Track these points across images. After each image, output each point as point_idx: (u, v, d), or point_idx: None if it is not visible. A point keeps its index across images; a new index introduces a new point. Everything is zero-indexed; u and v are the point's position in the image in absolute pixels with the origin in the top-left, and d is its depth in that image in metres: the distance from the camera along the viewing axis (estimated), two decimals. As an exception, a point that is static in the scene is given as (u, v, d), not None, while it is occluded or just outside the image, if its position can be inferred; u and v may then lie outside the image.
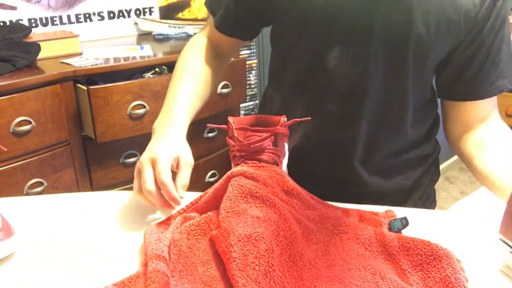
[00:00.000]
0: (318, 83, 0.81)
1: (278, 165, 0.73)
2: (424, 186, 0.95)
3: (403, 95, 0.80)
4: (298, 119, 0.76)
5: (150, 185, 0.69)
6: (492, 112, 0.86)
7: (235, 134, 0.73)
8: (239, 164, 0.73)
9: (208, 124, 0.79)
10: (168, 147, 0.73)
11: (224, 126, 0.76)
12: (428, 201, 0.98)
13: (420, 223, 0.75)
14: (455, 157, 3.22)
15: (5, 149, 0.81)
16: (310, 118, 0.77)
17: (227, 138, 0.76)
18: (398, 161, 0.88)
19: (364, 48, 0.76)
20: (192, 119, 0.83)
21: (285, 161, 0.75)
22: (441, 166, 3.07)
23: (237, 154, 0.73)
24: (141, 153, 0.82)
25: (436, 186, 0.99)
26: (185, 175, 0.72)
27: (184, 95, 0.83)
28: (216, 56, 0.94)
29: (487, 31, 0.76)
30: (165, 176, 0.68)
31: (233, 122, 0.75)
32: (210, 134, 1.80)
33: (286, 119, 0.75)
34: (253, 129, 0.74)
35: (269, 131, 0.73)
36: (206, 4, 0.94)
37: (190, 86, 0.85)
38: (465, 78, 0.81)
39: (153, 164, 0.70)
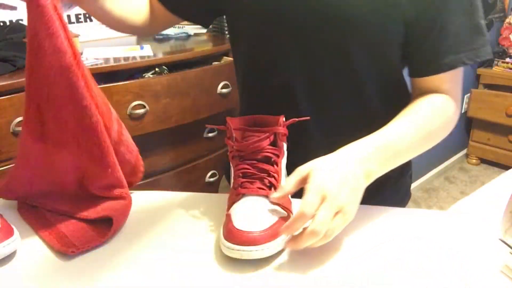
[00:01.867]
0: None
1: (277, 165, 0.73)
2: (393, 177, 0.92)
3: (355, 75, 0.79)
4: (297, 119, 0.76)
5: None
6: (441, 87, 0.79)
7: (234, 135, 0.74)
8: (238, 164, 0.73)
9: (207, 125, 0.79)
10: None
11: (223, 126, 0.77)
12: (399, 194, 0.96)
13: (420, 223, 0.75)
14: (455, 157, 3.23)
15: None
16: (309, 117, 0.77)
17: (225, 138, 0.76)
18: None
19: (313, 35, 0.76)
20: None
21: (284, 160, 0.75)
22: (441, 166, 3.08)
23: (236, 155, 0.74)
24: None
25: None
26: None
27: None
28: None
29: (428, 4, 0.72)
30: None
31: (232, 123, 0.75)
32: (210, 134, 1.80)
33: (284, 119, 0.76)
34: (252, 129, 0.74)
35: (268, 131, 0.73)
36: None
37: None
38: (412, 54, 0.78)
39: None
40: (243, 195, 0.70)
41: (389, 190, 0.92)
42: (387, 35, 0.76)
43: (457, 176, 3.07)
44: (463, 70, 0.80)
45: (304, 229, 0.62)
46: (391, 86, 0.85)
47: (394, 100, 0.83)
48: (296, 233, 0.64)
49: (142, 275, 0.64)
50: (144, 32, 0.97)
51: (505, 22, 2.97)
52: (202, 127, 1.67)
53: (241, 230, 0.64)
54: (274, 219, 0.66)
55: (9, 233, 0.67)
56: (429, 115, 0.76)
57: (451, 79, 0.79)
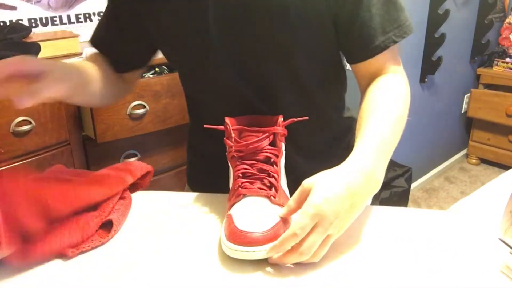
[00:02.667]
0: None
1: (276, 165, 0.73)
2: None
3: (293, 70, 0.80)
4: (296, 119, 0.75)
5: None
6: (384, 68, 0.80)
7: (233, 135, 0.73)
8: (238, 165, 0.72)
9: (205, 126, 0.79)
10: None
11: (221, 127, 0.76)
12: None
13: (420, 223, 0.75)
14: (455, 157, 3.23)
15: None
16: (307, 117, 0.77)
17: (224, 139, 0.76)
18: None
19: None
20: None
21: (282, 160, 0.75)
22: (441, 166, 3.08)
23: (235, 155, 0.73)
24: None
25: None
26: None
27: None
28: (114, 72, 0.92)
29: None
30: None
31: (230, 123, 0.75)
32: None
33: (283, 119, 0.75)
34: (251, 129, 0.74)
35: (267, 131, 0.73)
36: (91, 42, 0.94)
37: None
38: (343, 42, 0.79)
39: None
40: (244, 195, 0.70)
41: None
42: (319, 27, 0.77)
43: (457, 176, 3.07)
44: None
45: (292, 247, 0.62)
46: (334, 81, 0.87)
47: (336, 89, 0.88)
48: None
49: (142, 275, 0.64)
50: (126, 91, 1.01)
51: (505, 22, 2.97)
52: (202, 127, 1.67)
53: (243, 231, 0.63)
54: (276, 219, 0.66)
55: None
56: (396, 101, 0.76)
57: (390, 58, 0.79)
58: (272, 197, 0.69)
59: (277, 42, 0.76)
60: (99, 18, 1.89)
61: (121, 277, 0.64)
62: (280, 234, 0.64)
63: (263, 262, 0.65)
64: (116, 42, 0.90)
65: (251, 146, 0.72)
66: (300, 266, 0.65)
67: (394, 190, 2.20)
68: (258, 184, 0.71)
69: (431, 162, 3.00)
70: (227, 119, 0.75)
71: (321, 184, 0.63)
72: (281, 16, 0.74)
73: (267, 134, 0.73)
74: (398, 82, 0.79)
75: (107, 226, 0.73)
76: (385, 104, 0.75)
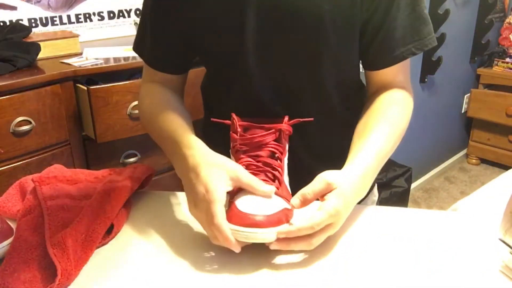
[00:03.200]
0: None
1: (280, 161, 0.73)
2: None
3: (320, 75, 0.81)
4: (301, 119, 0.76)
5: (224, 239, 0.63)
6: (396, 79, 0.83)
7: (238, 129, 0.73)
8: (242, 158, 0.72)
9: (212, 119, 0.79)
10: (215, 183, 0.65)
11: (228, 121, 0.76)
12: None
13: (420, 223, 0.75)
14: (455, 157, 3.23)
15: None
16: (312, 118, 0.77)
17: (230, 132, 0.75)
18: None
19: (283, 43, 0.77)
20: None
21: (285, 160, 0.75)
22: (441, 166, 3.08)
23: (239, 149, 0.73)
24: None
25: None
26: (249, 180, 0.66)
27: (181, 131, 0.76)
28: (177, 93, 0.91)
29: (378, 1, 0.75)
30: (218, 220, 0.62)
31: (237, 118, 0.75)
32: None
33: (288, 118, 0.75)
34: (257, 125, 0.74)
35: (273, 128, 0.73)
36: (134, 49, 0.93)
37: (180, 122, 0.79)
38: (364, 48, 0.81)
39: (207, 211, 0.64)
40: None
41: None
42: (349, 34, 0.78)
43: (457, 176, 3.07)
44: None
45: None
46: (350, 83, 0.88)
47: (353, 96, 0.89)
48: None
49: (142, 274, 0.64)
50: None
51: (505, 22, 2.97)
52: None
53: (246, 213, 0.63)
54: (278, 207, 0.65)
55: (9, 233, 0.67)
56: (401, 118, 0.80)
57: (403, 71, 0.83)
58: (276, 188, 0.68)
59: (308, 48, 0.77)
60: (99, 18, 1.89)
61: (121, 277, 0.64)
62: (282, 221, 0.64)
63: (261, 262, 0.65)
64: (167, 42, 0.87)
65: (256, 140, 0.72)
66: (300, 266, 0.65)
67: (394, 190, 2.20)
68: (262, 176, 0.70)
69: (431, 162, 3.00)
70: (234, 114, 0.75)
71: (343, 187, 0.67)
72: (315, 24, 0.74)
73: (272, 130, 0.73)
74: (404, 97, 0.82)
75: (108, 227, 0.73)
76: (390, 118, 0.79)
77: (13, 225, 0.70)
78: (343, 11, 0.75)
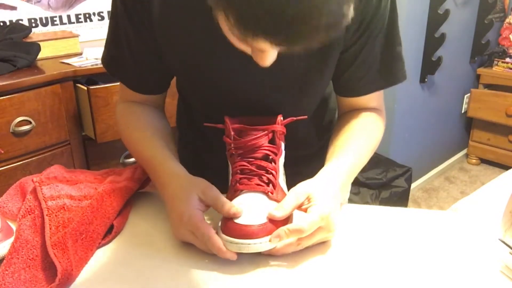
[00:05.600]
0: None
1: (275, 162, 0.73)
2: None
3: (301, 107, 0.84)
4: (295, 118, 0.76)
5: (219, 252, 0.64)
6: (368, 105, 0.86)
7: (232, 133, 0.74)
8: (236, 162, 0.73)
9: (205, 124, 0.79)
10: (188, 207, 0.68)
11: (221, 125, 0.76)
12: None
13: (420, 223, 0.75)
14: (455, 157, 3.23)
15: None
16: (306, 116, 0.78)
17: (224, 137, 0.76)
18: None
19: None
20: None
21: (281, 159, 0.75)
22: (441, 166, 3.08)
23: (234, 152, 0.73)
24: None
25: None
26: (215, 199, 0.68)
27: (159, 158, 0.78)
28: (153, 109, 0.88)
29: (353, 34, 0.75)
30: (208, 235, 0.65)
31: (230, 121, 0.75)
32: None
33: (282, 118, 0.76)
34: (250, 128, 0.74)
35: (266, 129, 0.73)
36: (105, 67, 0.86)
37: (159, 146, 0.80)
38: (336, 79, 0.83)
39: (192, 231, 0.67)
40: (241, 191, 0.70)
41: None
42: (333, 62, 0.80)
43: (457, 176, 3.07)
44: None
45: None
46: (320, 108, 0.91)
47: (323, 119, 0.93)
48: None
49: (142, 274, 0.64)
50: None
51: (505, 22, 2.97)
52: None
53: (239, 224, 0.64)
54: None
55: (9, 233, 0.67)
56: (375, 135, 0.84)
57: (376, 98, 0.86)
58: (269, 193, 0.69)
59: (298, 75, 0.78)
60: (99, 18, 1.89)
61: (121, 277, 0.64)
62: (276, 228, 0.64)
63: (262, 262, 0.65)
64: (142, 64, 0.83)
65: (249, 143, 0.72)
66: (300, 266, 0.65)
67: (394, 190, 2.20)
68: (256, 180, 0.71)
69: (431, 162, 3.00)
70: (227, 118, 0.75)
71: (321, 193, 0.68)
72: (305, 59, 0.75)
73: (266, 131, 0.73)
74: (378, 117, 0.85)
75: (108, 228, 0.73)
76: (371, 136, 0.83)
77: (13, 226, 0.70)
78: (330, 45, 0.75)
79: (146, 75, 0.84)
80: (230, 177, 0.74)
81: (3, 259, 0.64)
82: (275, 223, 0.65)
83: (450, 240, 0.70)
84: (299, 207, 0.68)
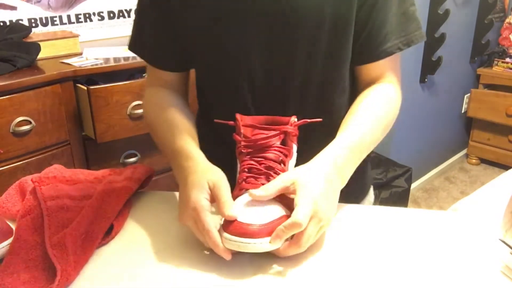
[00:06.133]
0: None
1: (284, 165, 0.72)
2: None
3: (321, 75, 0.81)
4: (309, 120, 0.74)
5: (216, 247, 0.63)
6: (384, 75, 0.83)
7: (242, 131, 0.72)
8: (245, 160, 0.71)
9: (215, 120, 0.78)
10: (196, 192, 0.67)
11: (232, 122, 0.75)
12: (360, 182, 0.96)
13: (420, 223, 0.75)
14: (455, 157, 3.23)
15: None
16: (321, 119, 0.76)
17: (234, 134, 0.74)
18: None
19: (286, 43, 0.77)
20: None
21: (292, 161, 0.74)
22: (441, 166, 3.08)
23: (243, 151, 0.72)
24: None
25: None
26: (220, 196, 0.66)
27: (181, 142, 0.77)
28: (180, 95, 0.90)
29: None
30: (206, 227, 0.64)
31: (241, 120, 0.73)
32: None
33: (296, 119, 0.74)
34: (261, 127, 0.73)
35: (278, 129, 0.72)
36: (130, 48, 0.91)
37: (182, 132, 0.80)
38: (356, 40, 0.80)
39: (195, 219, 0.66)
40: (247, 190, 0.68)
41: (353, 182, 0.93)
42: (348, 32, 0.78)
43: (457, 176, 3.07)
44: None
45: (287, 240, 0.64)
46: (343, 79, 0.86)
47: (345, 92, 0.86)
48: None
49: (142, 275, 0.64)
50: None
51: (505, 22, 2.97)
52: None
53: (240, 222, 0.63)
54: (276, 215, 0.65)
55: (8, 234, 0.67)
56: (385, 109, 0.80)
57: (392, 66, 0.83)
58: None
59: (305, 46, 0.77)
60: (99, 18, 1.89)
61: (121, 277, 0.64)
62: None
63: (262, 263, 0.65)
64: (166, 40, 0.87)
65: (259, 143, 0.71)
66: (300, 265, 0.65)
67: (394, 190, 2.20)
68: (262, 180, 0.69)
69: (431, 162, 3.00)
70: (238, 115, 0.74)
71: (306, 179, 0.66)
72: (317, 27, 0.75)
73: (277, 132, 0.72)
74: (391, 91, 0.82)
75: (108, 228, 0.73)
76: (371, 107, 0.79)
77: (12, 226, 0.70)
78: (343, 13, 0.75)
79: (164, 48, 0.87)
80: (238, 175, 0.73)
81: (2, 259, 0.64)
82: (277, 224, 0.63)
83: (450, 240, 0.70)
84: (284, 192, 0.66)
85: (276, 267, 0.65)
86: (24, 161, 1.38)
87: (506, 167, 2.82)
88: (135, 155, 1.63)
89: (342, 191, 0.72)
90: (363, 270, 0.64)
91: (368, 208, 0.80)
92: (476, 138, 3.17)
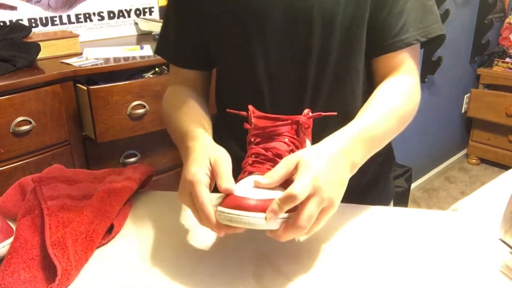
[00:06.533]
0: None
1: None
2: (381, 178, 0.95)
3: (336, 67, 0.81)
4: (323, 113, 0.71)
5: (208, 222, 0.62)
6: (402, 66, 0.82)
7: (253, 120, 0.70)
8: (252, 148, 0.69)
9: (227, 110, 0.76)
10: (195, 166, 0.65)
11: (244, 112, 0.73)
12: (383, 194, 0.97)
13: (420, 223, 0.75)
14: (455, 157, 3.23)
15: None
16: (336, 113, 0.74)
17: (245, 123, 0.72)
18: None
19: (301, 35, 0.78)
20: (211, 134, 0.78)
21: None
22: (441, 166, 3.08)
23: (253, 140, 0.70)
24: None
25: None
26: (219, 171, 0.64)
27: (190, 125, 0.78)
28: (200, 94, 0.92)
29: None
30: (200, 199, 0.62)
31: (253, 111, 0.71)
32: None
33: (310, 113, 0.71)
34: (273, 117, 0.70)
35: (290, 119, 0.69)
36: (156, 52, 0.96)
37: (192, 117, 0.81)
38: (369, 34, 0.80)
39: (191, 193, 0.64)
40: (251, 173, 0.66)
41: (374, 191, 0.93)
42: (360, 23, 0.79)
43: (457, 176, 3.07)
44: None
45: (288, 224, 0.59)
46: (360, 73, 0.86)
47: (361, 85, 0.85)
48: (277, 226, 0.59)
49: (142, 275, 0.64)
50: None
51: (505, 22, 2.97)
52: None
53: (236, 196, 0.59)
54: (277, 195, 0.59)
55: (9, 233, 0.67)
56: (399, 100, 0.78)
57: (410, 57, 0.82)
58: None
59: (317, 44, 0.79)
60: (99, 18, 1.89)
61: (121, 277, 0.64)
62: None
63: (262, 261, 0.65)
64: (186, 39, 0.90)
65: (268, 130, 0.68)
66: (300, 265, 0.65)
67: (394, 190, 2.20)
68: (268, 165, 0.66)
69: (431, 162, 3.00)
70: (250, 107, 0.72)
71: (308, 158, 0.62)
72: (330, 23, 0.77)
73: (289, 121, 0.69)
74: (409, 82, 0.81)
75: (108, 227, 0.73)
76: (384, 98, 0.77)
77: (13, 225, 0.70)
78: (358, 9, 0.76)
79: (186, 45, 0.90)
80: (244, 160, 0.69)
81: (2, 259, 0.64)
82: None
83: (450, 240, 0.70)
84: (290, 176, 0.62)
85: (276, 267, 0.65)
86: (24, 161, 1.38)
87: (506, 167, 2.82)
88: (135, 155, 1.63)
89: (365, 197, 0.71)
90: (363, 270, 0.64)
91: (368, 208, 0.80)
92: (476, 138, 3.17)
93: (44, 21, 1.76)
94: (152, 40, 1.87)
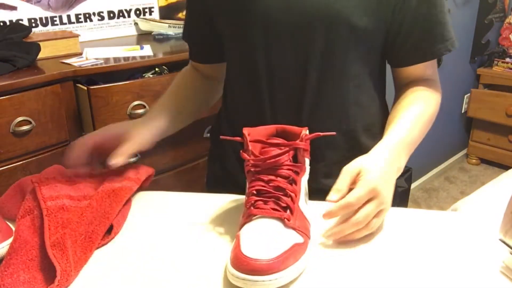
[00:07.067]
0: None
1: (296, 183, 0.67)
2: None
3: (339, 69, 0.83)
4: (321, 133, 0.71)
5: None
6: (425, 73, 0.88)
7: (250, 148, 0.68)
8: (253, 181, 0.67)
9: (221, 137, 0.73)
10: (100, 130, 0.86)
11: (239, 138, 0.70)
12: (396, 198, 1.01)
13: (420, 223, 0.75)
14: (455, 157, 3.23)
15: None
16: (334, 133, 0.76)
17: (241, 151, 0.70)
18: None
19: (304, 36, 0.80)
20: (161, 131, 0.91)
21: (304, 177, 0.70)
22: (441, 166, 3.08)
23: (251, 170, 0.68)
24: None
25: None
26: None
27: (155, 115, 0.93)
28: (202, 77, 1.02)
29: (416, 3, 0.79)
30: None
31: (249, 134, 0.69)
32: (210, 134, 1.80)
33: (308, 132, 0.70)
34: (270, 143, 0.68)
35: (288, 146, 0.67)
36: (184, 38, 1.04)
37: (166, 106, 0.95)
38: (399, 45, 0.84)
39: None
40: (255, 216, 0.65)
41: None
42: (375, 32, 0.81)
43: (457, 176, 3.07)
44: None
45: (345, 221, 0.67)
46: (374, 81, 0.90)
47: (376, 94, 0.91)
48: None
49: (142, 275, 0.64)
50: (218, 93, 1.05)
51: (505, 22, 2.97)
52: (202, 127, 1.67)
53: (247, 257, 0.58)
54: (288, 245, 0.60)
55: (8, 234, 0.67)
56: (428, 107, 0.85)
57: (432, 65, 0.88)
58: (286, 219, 0.63)
59: (334, 50, 0.81)
60: (99, 18, 1.89)
61: (120, 277, 0.64)
62: (288, 262, 0.59)
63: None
64: (196, 31, 0.99)
65: (268, 161, 0.66)
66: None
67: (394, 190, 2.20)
68: (272, 204, 0.65)
69: (431, 162, 3.00)
70: (245, 131, 0.70)
71: (369, 166, 0.70)
72: (344, 24, 0.78)
73: (287, 149, 0.67)
74: (438, 93, 0.88)
75: (108, 228, 0.73)
76: (425, 109, 0.84)
77: (12, 226, 0.70)
78: (372, 16, 0.78)
79: (194, 42, 1.00)
80: (246, 198, 0.69)
81: (2, 259, 0.64)
82: (287, 257, 0.60)
83: (450, 240, 0.70)
84: (353, 184, 0.69)
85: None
86: (24, 161, 1.38)
87: (506, 167, 2.82)
88: (135, 155, 1.63)
89: None
90: (363, 269, 0.64)
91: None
92: (476, 138, 3.17)
93: (44, 21, 1.76)
94: (152, 40, 1.87)
